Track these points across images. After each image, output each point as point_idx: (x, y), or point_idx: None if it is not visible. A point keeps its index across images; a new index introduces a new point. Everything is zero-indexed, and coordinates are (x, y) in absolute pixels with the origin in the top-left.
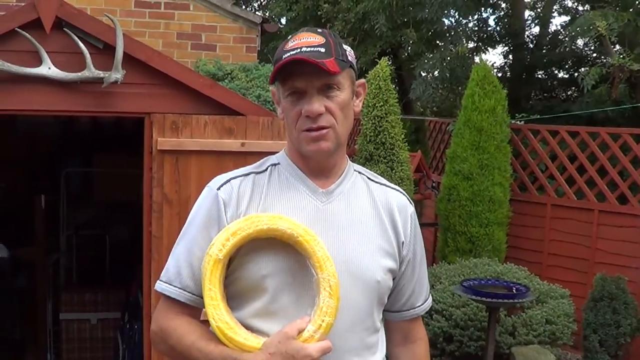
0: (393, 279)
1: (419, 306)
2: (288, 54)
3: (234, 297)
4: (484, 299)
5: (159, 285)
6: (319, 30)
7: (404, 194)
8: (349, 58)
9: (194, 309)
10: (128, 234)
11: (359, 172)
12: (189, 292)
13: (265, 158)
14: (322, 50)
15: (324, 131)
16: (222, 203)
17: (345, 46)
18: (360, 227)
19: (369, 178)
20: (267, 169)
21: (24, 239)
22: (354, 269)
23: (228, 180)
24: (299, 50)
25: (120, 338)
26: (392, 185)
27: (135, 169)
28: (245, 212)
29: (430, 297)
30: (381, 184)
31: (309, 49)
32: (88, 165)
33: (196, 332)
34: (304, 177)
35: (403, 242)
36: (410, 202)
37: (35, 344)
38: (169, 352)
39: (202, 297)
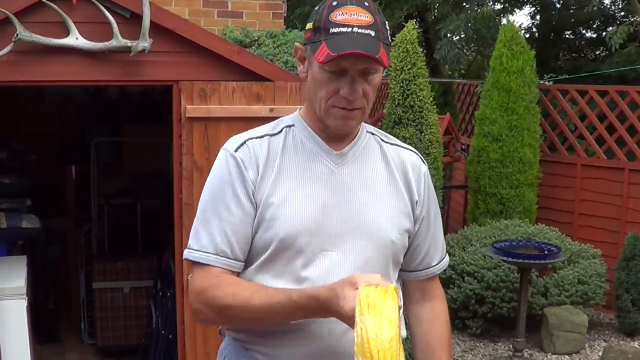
0: (408, 239)
1: (435, 265)
2: (338, 29)
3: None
4: (515, 260)
5: (191, 254)
6: (366, 3)
7: (416, 154)
8: (389, 38)
9: (231, 273)
10: (159, 202)
11: (372, 133)
12: (224, 257)
13: (279, 119)
14: (372, 33)
15: (355, 112)
16: (241, 163)
17: (386, 22)
18: (374, 188)
19: (381, 139)
20: (281, 130)
21: (56, 209)
22: (369, 230)
23: (244, 142)
24: (350, 30)
25: (153, 306)
26: (405, 145)
27: (164, 138)
28: (261, 175)
29: (447, 256)
30: (394, 144)
31: (360, 30)
32: (117, 135)
33: (251, 285)
34: (319, 140)
35: (417, 202)
36: (423, 162)
37: (69, 313)
38: (220, 312)
39: (238, 260)
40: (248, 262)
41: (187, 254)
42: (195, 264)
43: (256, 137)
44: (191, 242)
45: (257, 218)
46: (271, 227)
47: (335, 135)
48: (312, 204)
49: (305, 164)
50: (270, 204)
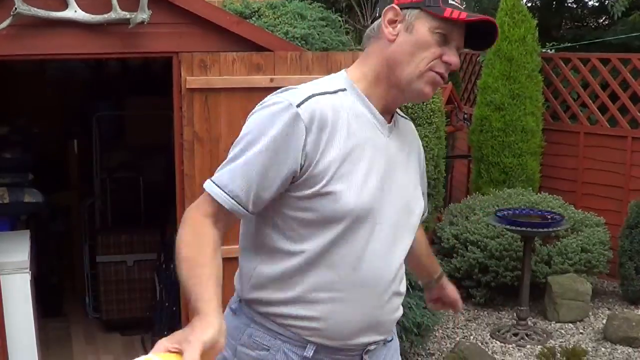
0: None
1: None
2: (452, 2)
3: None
4: (518, 228)
5: (209, 185)
6: None
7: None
8: None
9: (229, 216)
10: (161, 175)
11: None
12: (236, 201)
13: (326, 79)
14: None
15: (442, 81)
16: (303, 127)
17: None
18: (408, 165)
19: (398, 112)
20: (337, 92)
21: (59, 184)
22: (408, 207)
23: (309, 97)
24: (459, 4)
25: (157, 278)
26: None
27: (165, 110)
28: (329, 140)
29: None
30: (404, 116)
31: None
32: (119, 109)
33: (204, 254)
34: (374, 110)
35: (424, 171)
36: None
37: (73, 287)
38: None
39: (245, 209)
40: (314, 233)
41: (206, 183)
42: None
43: (319, 93)
44: (216, 174)
45: (320, 185)
46: (339, 199)
47: (389, 106)
48: (375, 177)
49: (368, 133)
50: (337, 173)
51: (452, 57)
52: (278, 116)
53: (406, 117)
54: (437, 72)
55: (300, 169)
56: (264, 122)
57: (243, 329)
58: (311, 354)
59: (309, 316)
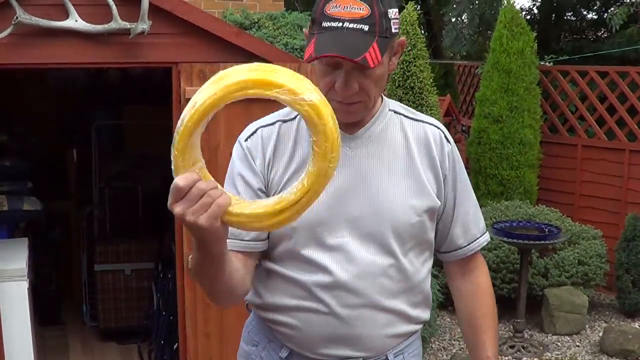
0: (436, 217)
1: (465, 246)
2: (329, 24)
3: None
4: (515, 240)
5: None
6: None
7: (440, 129)
8: (393, 29)
9: (243, 255)
10: (160, 184)
11: (395, 112)
12: (239, 239)
13: None
14: (366, 28)
15: (354, 105)
16: (248, 153)
17: (390, 11)
18: (391, 170)
19: (405, 115)
20: (295, 117)
21: (57, 192)
22: (387, 214)
23: (255, 131)
24: (341, 24)
25: (154, 287)
26: (430, 120)
27: (164, 120)
28: (271, 163)
29: (485, 235)
30: (418, 120)
31: (351, 24)
32: (119, 118)
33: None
34: None
35: (445, 177)
36: (447, 139)
37: (71, 295)
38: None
39: (253, 241)
40: (264, 252)
41: None
42: None
43: (267, 125)
44: None
45: None
46: None
47: (344, 122)
48: (326, 191)
49: None
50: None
51: (340, 85)
52: (235, 154)
53: (420, 119)
54: (336, 101)
55: (263, 182)
56: (230, 166)
57: (248, 326)
58: (285, 356)
59: (280, 321)
